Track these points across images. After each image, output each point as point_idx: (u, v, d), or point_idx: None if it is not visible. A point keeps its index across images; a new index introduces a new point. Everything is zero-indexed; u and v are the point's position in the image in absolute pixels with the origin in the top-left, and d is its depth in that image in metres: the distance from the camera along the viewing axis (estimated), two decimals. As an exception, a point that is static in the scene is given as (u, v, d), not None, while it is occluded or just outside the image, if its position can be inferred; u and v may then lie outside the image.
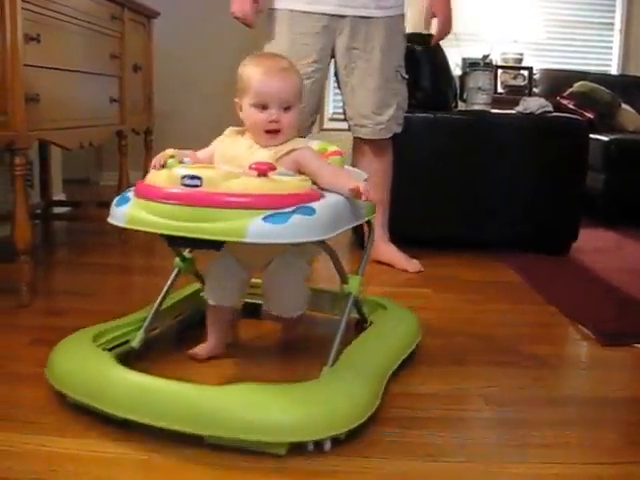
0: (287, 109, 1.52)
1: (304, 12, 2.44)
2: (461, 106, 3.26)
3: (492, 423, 1.44)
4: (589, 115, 4.14)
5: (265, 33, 2.53)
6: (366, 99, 2.54)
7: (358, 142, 2.66)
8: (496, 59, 4.69)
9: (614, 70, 5.13)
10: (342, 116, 2.72)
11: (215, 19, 3.75)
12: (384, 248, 2.66)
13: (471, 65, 3.33)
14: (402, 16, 2.57)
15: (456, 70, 3.81)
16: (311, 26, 2.45)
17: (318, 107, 2.60)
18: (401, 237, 2.78)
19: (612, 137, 3.81)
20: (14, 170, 2.02)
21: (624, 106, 4.37)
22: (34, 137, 2.16)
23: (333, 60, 2.56)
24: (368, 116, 2.55)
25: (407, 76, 2.62)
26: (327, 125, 4.74)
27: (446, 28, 2.59)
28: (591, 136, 3.12)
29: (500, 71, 4.69)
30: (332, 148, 1.64)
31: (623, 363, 1.83)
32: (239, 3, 2.41)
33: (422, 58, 3.00)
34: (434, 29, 2.67)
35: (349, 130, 2.66)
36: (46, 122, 2.23)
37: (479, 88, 3.12)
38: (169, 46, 4.19)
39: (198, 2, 4.48)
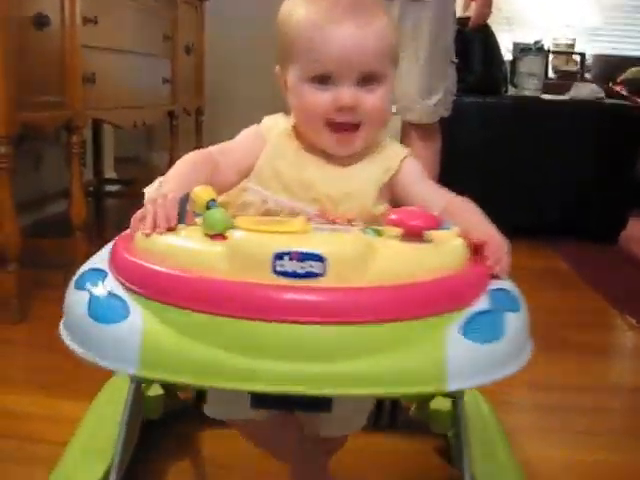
0: (371, 83, 0.90)
1: None
2: (512, 91, 3.24)
3: (536, 408, 1.45)
4: (642, 102, 4.06)
5: None
6: (414, 82, 2.52)
7: (404, 126, 2.66)
8: (548, 44, 4.62)
9: (669, 56, 5.01)
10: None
11: (266, 1, 3.77)
12: None
13: (522, 50, 3.29)
14: None
15: (507, 55, 3.76)
16: None
17: None
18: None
19: (665, 125, 3.73)
20: (71, 149, 2.08)
21: (678, 93, 4.27)
22: (90, 116, 2.22)
23: None
24: (416, 100, 2.54)
25: (457, 60, 2.60)
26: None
27: (484, 11, 2.55)
28: (644, 123, 3.07)
29: (552, 56, 4.62)
30: None
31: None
32: None
33: (473, 41, 2.97)
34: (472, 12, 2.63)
35: (396, 114, 2.66)
36: (101, 101, 2.28)
37: (530, 73, 3.09)
38: (220, 28, 4.23)
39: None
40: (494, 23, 4.06)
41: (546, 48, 4.35)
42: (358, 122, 0.90)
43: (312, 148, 0.95)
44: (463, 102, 2.83)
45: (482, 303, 0.71)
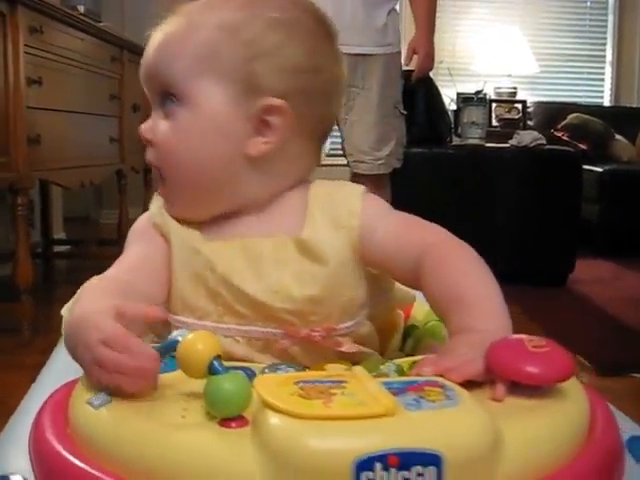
0: (169, 105, 0.68)
1: None
2: (456, 141, 3.31)
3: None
4: (583, 146, 4.18)
5: None
6: (365, 135, 2.57)
7: (356, 178, 2.69)
8: (490, 93, 4.76)
9: (606, 102, 5.20)
10: (340, 152, 2.75)
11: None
12: None
13: (465, 100, 3.38)
14: (399, 54, 2.62)
15: (451, 105, 3.86)
16: None
17: None
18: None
19: (606, 168, 3.85)
20: (16, 210, 2.05)
21: (617, 137, 4.42)
22: (36, 177, 2.20)
23: None
24: (367, 152, 2.58)
25: (405, 112, 2.66)
26: (325, 161, 4.79)
27: (426, 65, 2.64)
28: (585, 167, 3.16)
29: (494, 105, 4.75)
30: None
31: (622, 393, 1.84)
32: None
33: (416, 93, 3.04)
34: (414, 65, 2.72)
35: (348, 166, 2.70)
36: (47, 162, 2.26)
37: (473, 122, 3.16)
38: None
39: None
40: (436, 75, 4.17)
41: (488, 97, 4.48)
42: (157, 164, 0.69)
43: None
44: (409, 153, 2.87)
45: (629, 470, 0.49)
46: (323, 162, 3.80)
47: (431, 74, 3.32)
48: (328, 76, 0.68)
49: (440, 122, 3.13)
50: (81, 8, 2.84)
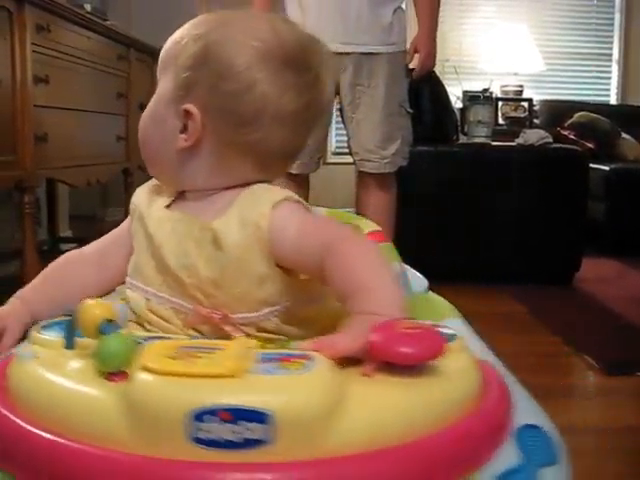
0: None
1: None
2: (462, 139, 3.30)
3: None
4: (589, 145, 4.17)
5: None
6: (371, 134, 2.57)
7: (362, 176, 2.69)
8: (496, 92, 4.75)
9: (613, 100, 5.18)
10: (346, 150, 2.75)
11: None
12: None
13: (471, 98, 3.38)
14: (404, 52, 2.61)
15: (457, 103, 3.85)
16: None
17: (323, 143, 2.62)
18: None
19: (612, 166, 3.84)
20: (23, 208, 2.06)
21: (624, 135, 4.41)
22: (43, 176, 2.21)
23: (337, 96, 2.60)
24: (373, 150, 2.58)
25: (412, 110, 2.66)
26: (331, 159, 4.79)
27: (427, 64, 2.63)
28: (592, 166, 3.15)
29: (500, 103, 4.74)
30: (365, 225, 0.93)
31: (628, 392, 1.84)
32: None
33: (423, 92, 3.04)
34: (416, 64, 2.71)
35: (354, 164, 2.70)
36: (54, 161, 2.27)
37: (479, 121, 3.16)
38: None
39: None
40: (443, 73, 4.17)
41: (495, 96, 4.47)
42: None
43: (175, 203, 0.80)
44: (415, 151, 2.87)
45: (508, 455, 0.52)
46: (329, 161, 3.84)
47: (437, 72, 3.32)
48: (271, 107, 0.72)
49: (446, 120, 3.13)
50: (88, 6, 2.84)
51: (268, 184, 0.76)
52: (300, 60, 0.73)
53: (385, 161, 2.58)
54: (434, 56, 2.63)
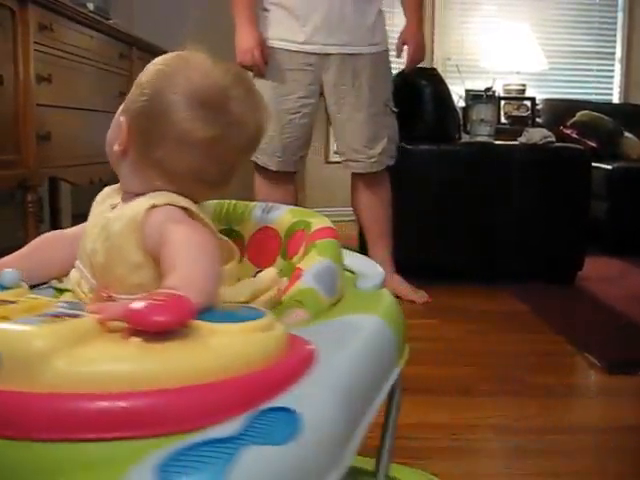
0: None
1: (292, 51, 2.48)
2: (465, 138, 3.30)
3: (501, 453, 1.45)
4: (592, 144, 4.17)
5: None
6: (357, 134, 2.57)
7: (353, 176, 2.70)
8: (499, 90, 4.74)
9: (616, 99, 5.18)
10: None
11: (219, 57, 3.81)
12: (391, 279, 2.67)
13: (474, 97, 3.37)
14: (387, 52, 2.62)
15: (459, 102, 3.85)
16: (298, 63, 2.49)
17: (308, 142, 2.62)
18: (407, 268, 2.80)
19: (615, 165, 3.83)
20: (26, 207, 2.06)
21: (626, 134, 4.40)
22: (45, 174, 2.21)
23: (322, 97, 2.60)
24: (359, 150, 2.59)
25: (396, 109, 2.65)
26: (333, 158, 4.79)
27: (416, 56, 2.62)
28: (594, 165, 3.16)
29: (503, 102, 4.74)
30: (318, 221, 0.93)
31: (630, 391, 1.84)
32: (248, 53, 2.42)
33: (424, 91, 3.04)
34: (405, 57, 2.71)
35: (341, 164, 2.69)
36: (57, 159, 2.27)
37: (482, 120, 3.16)
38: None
39: (203, 41, 4.55)
40: (445, 72, 4.17)
41: (497, 94, 4.47)
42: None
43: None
44: (417, 150, 2.88)
45: (227, 427, 0.52)
46: (331, 159, 3.82)
47: (440, 71, 3.32)
48: (178, 132, 0.80)
49: (449, 119, 3.13)
50: (90, 5, 2.85)
51: (169, 192, 0.82)
52: (219, 104, 0.82)
53: (372, 160, 2.59)
54: (423, 48, 2.63)
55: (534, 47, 4.89)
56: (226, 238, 0.86)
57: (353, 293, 0.89)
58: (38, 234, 2.09)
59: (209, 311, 0.63)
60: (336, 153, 4.75)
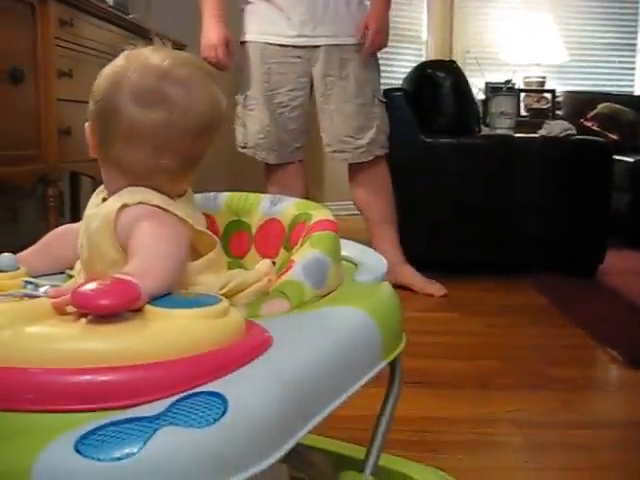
0: None
1: (279, 45, 2.49)
2: (484, 131, 3.28)
3: (521, 447, 1.44)
4: (613, 136, 4.13)
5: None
6: (344, 124, 2.57)
7: (349, 169, 2.69)
8: (519, 83, 4.71)
9: (637, 91, 5.12)
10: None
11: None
12: (403, 270, 2.65)
13: (494, 90, 3.36)
14: None
15: (479, 95, 3.83)
16: (286, 57, 2.50)
17: (303, 133, 2.61)
18: (425, 261, 2.79)
19: (637, 158, 3.79)
20: (47, 201, 2.08)
21: (648, 126, 4.36)
22: (66, 169, 2.23)
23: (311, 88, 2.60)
24: (347, 141, 2.59)
25: (385, 100, 2.64)
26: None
27: (377, 40, 2.52)
28: (616, 157, 3.12)
29: (523, 94, 4.71)
30: (318, 213, 0.93)
31: (652, 386, 1.83)
32: (212, 49, 2.43)
33: (443, 84, 3.03)
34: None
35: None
36: (77, 154, 2.28)
37: (502, 112, 3.14)
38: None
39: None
40: (464, 64, 4.15)
41: (517, 87, 4.44)
42: None
43: None
44: (437, 143, 2.87)
45: (147, 409, 0.53)
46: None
47: (459, 63, 3.30)
48: (136, 129, 0.81)
49: (468, 112, 3.11)
50: (110, 0, 2.86)
51: (143, 188, 0.83)
52: (157, 93, 0.82)
53: (360, 150, 2.59)
54: (385, 33, 2.54)
55: (554, 39, 4.85)
56: (205, 230, 0.86)
57: (348, 285, 0.89)
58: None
59: (167, 297, 0.65)
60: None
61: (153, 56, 0.85)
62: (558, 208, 2.97)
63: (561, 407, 1.62)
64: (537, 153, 2.99)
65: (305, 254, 0.85)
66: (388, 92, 2.95)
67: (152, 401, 0.54)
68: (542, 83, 4.85)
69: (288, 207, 0.97)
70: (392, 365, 0.91)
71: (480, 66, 4.23)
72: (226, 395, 0.56)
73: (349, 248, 1.00)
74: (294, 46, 2.49)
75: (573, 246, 2.98)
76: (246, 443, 0.56)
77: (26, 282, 0.77)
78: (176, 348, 0.58)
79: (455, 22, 5.02)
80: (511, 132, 3.17)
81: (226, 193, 1.02)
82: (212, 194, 1.03)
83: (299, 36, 2.48)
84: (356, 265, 0.97)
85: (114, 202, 0.82)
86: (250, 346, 0.63)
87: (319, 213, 0.92)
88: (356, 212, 2.80)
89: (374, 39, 2.50)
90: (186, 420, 0.53)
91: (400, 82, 3.41)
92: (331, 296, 0.84)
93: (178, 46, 3.44)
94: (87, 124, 0.87)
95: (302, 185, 2.61)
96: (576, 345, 2.11)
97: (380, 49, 2.57)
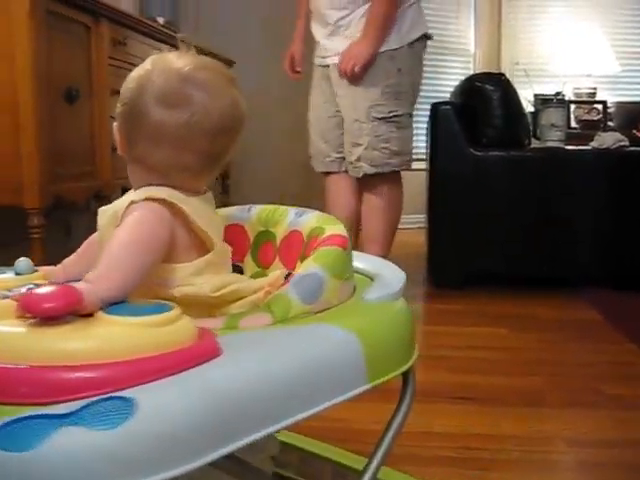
0: None
1: (315, 65, 2.73)
2: (535, 143, 3.25)
3: (574, 466, 1.42)
4: (667, 147, 4.04)
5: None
6: (346, 138, 2.63)
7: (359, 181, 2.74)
8: (569, 94, 4.65)
9: (691, 101, 5.01)
10: (415, 156, 2.75)
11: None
12: None
13: (544, 102, 3.32)
14: (392, 52, 2.57)
15: (528, 107, 3.79)
16: (321, 75, 2.70)
17: (341, 145, 2.67)
18: (476, 275, 2.77)
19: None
20: (100, 217, 2.12)
21: None
22: (119, 185, 2.27)
23: None
24: (346, 154, 2.65)
25: (389, 114, 2.57)
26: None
27: (342, 65, 2.52)
28: (670, 169, 3.06)
29: (573, 106, 4.64)
30: (331, 228, 0.92)
31: None
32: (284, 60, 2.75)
33: (492, 96, 3.01)
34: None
35: (424, 170, 2.70)
36: (129, 170, 2.34)
37: (552, 125, 3.11)
38: (243, 93, 4.32)
39: (271, 51, 4.61)
40: (512, 76, 4.11)
41: (567, 98, 4.38)
42: None
43: None
44: (486, 157, 2.85)
45: (60, 408, 0.56)
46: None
47: (508, 75, 3.28)
48: (159, 130, 0.85)
49: (518, 125, 3.08)
50: (160, 20, 2.92)
51: (159, 186, 0.86)
52: (179, 95, 0.86)
53: (352, 166, 2.64)
54: (353, 60, 2.50)
55: (604, 49, 4.77)
56: (206, 231, 0.87)
57: (351, 303, 0.87)
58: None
59: (121, 305, 0.68)
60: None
61: (176, 61, 0.88)
62: (611, 220, 2.92)
63: (614, 426, 1.59)
64: (589, 165, 2.94)
65: (305, 268, 0.85)
66: (436, 106, 2.95)
67: (69, 400, 0.57)
68: (593, 94, 4.77)
69: (310, 219, 0.97)
70: (405, 380, 0.89)
71: (529, 78, 4.19)
72: (139, 401, 0.57)
73: (369, 262, 1.00)
74: (320, 65, 2.70)
75: (626, 260, 2.93)
76: (152, 449, 0.57)
77: (35, 284, 0.81)
78: (107, 353, 0.60)
79: (503, 34, 4.99)
80: (562, 144, 3.13)
81: (260, 205, 1.04)
82: (248, 206, 1.04)
83: (318, 56, 2.70)
84: (373, 280, 0.95)
85: (125, 199, 0.85)
86: (190, 356, 0.64)
87: (332, 228, 0.92)
88: (402, 226, 2.82)
89: (341, 64, 2.54)
90: (91, 421, 0.55)
91: (448, 95, 3.41)
92: (324, 313, 0.82)
93: (227, 63, 3.50)
94: (115, 124, 0.91)
95: (344, 196, 2.65)
96: (630, 362, 2.07)
97: (348, 76, 2.54)
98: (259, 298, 0.87)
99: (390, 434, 0.86)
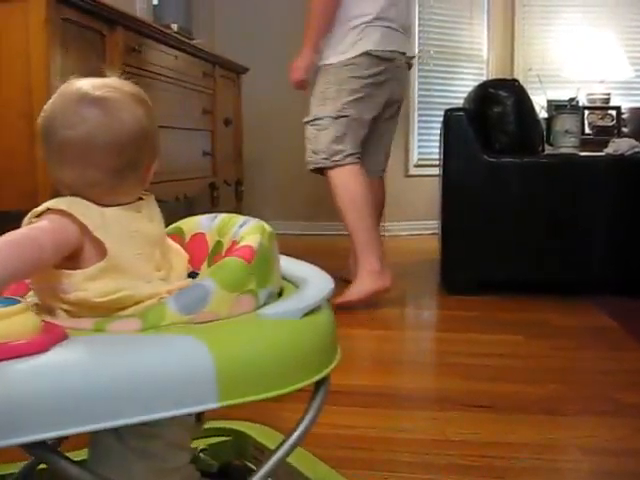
0: None
1: None
2: (548, 150, 3.24)
3: (590, 475, 1.40)
4: (682, 154, 4.01)
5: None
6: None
7: None
8: (582, 100, 4.63)
9: None
10: (428, 162, 2.76)
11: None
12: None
13: (557, 108, 3.31)
14: (328, 66, 2.71)
15: (542, 113, 3.78)
16: None
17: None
18: (490, 281, 2.76)
19: None
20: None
21: None
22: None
23: None
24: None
25: (312, 118, 2.74)
26: (413, 172, 4.75)
27: (291, 75, 2.71)
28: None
29: (587, 112, 4.63)
30: (249, 239, 0.90)
31: None
32: (299, 70, 2.71)
33: (506, 102, 3.00)
34: None
35: (436, 176, 2.70)
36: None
37: (566, 131, 3.10)
38: (257, 99, 4.34)
39: (285, 57, 4.62)
40: (526, 82, 4.10)
41: (581, 104, 4.36)
42: None
43: None
44: (500, 163, 2.84)
45: None
46: (411, 173, 3.85)
47: (521, 81, 3.27)
48: (62, 150, 0.89)
49: (531, 131, 3.07)
50: (175, 26, 2.94)
51: (63, 198, 0.90)
52: (74, 116, 0.89)
53: (307, 159, 2.80)
54: (295, 68, 2.70)
55: (618, 54, 4.75)
56: (100, 239, 0.86)
57: (245, 317, 0.83)
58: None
59: None
60: (416, 166, 4.75)
61: (78, 83, 0.91)
62: (626, 227, 2.91)
63: (631, 434, 1.57)
64: (604, 172, 2.93)
65: (200, 278, 0.87)
66: (449, 112, 2.94)
67: None
68: (607, 100, 4.75)
69: (246, 229, 0.94)
70: (316, 389, 0.86)
71: (542, 84, 4.18)
72: None
73: (299, 271, 0.98)
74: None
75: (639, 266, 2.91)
76: None
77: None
78: None
79: (516, 40, 4.98)
80: (576, 151, 3.12)
81: (225, 215, 1.04)
82: (214, 214, 1.05)
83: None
84: (295, 290, 0.93)
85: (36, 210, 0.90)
86: (9, 349, 0.67)
87: (249, 239, 0.89)
88: (417, 232, 2.81)
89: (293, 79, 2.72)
90: None
91: (461, 101, 3.40)
92: (197, 325, 0.80)
93: (240, 69, 3.51)
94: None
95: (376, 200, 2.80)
96: (646, 370, 2.05)
97: (292, 83, 2.73)
98: (153, 304, 0.87)
99: (289, 442, 0.83)
